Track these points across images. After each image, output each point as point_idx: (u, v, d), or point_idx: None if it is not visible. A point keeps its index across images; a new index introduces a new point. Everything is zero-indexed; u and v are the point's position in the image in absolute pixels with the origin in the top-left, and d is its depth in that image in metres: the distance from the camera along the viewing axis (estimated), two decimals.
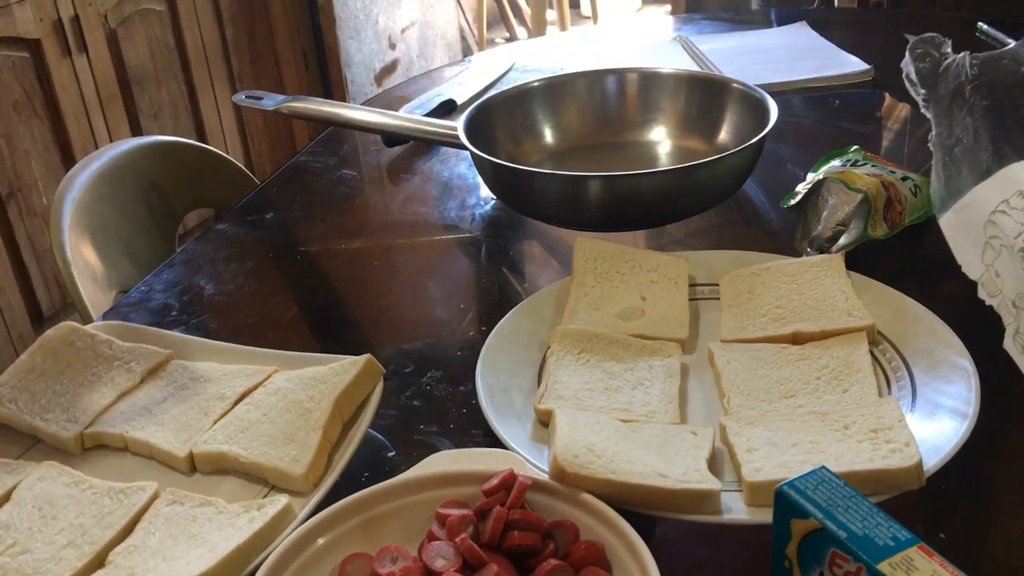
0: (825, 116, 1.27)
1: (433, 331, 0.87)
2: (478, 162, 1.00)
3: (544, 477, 0.61)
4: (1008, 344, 0.67)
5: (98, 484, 0.66)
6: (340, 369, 0.72)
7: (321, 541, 0.59)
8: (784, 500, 0.53)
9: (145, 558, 0.60)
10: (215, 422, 0.71)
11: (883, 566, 0.48)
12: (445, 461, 0.64)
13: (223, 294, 0.95)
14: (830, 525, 0.50)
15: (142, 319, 0.90)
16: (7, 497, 0.66)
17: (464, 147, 1.01)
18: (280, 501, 0.62)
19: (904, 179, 0.90)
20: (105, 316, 0.93)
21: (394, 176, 1.20)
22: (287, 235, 1.07)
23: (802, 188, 0.93)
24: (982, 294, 0.69)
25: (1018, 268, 0.64)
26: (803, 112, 1.28)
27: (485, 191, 1.09)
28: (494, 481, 0.60)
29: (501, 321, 0.79)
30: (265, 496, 0.65)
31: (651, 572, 0.53)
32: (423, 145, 1.23)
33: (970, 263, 0.71)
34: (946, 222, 0.75)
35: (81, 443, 0.72)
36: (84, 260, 1.09)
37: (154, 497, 0.65)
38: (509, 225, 1.04)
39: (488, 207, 1.08)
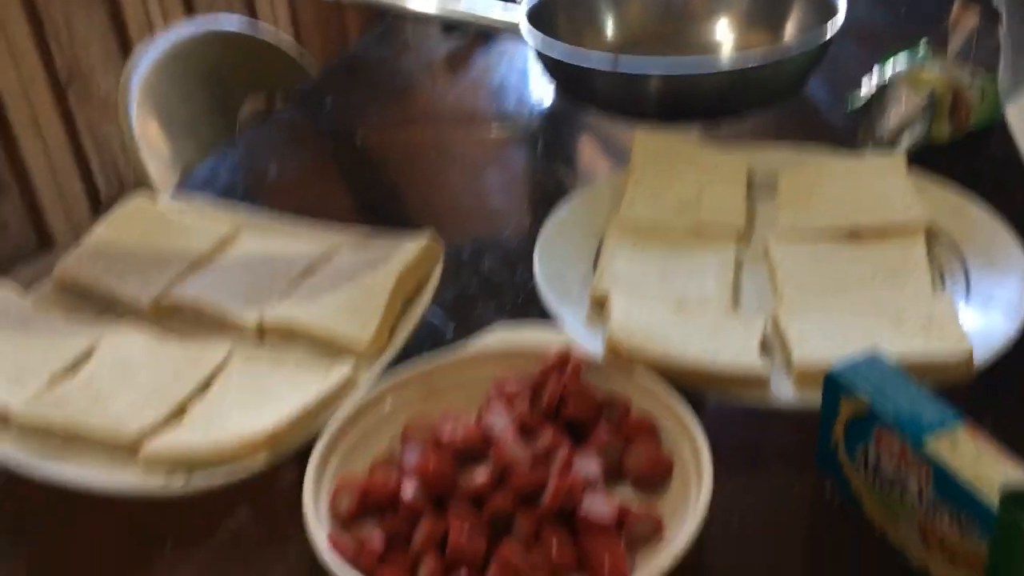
0: (893, 16, 1.24)
1: (490, 219, 0.89)
2: (539, 53, 1.00)
3: (599, 356, 0.63)
4: None
5: (174, 345, 0.70)
6: (402, 247, 0.74)
7: (385, 407, 0.62)
8: (834, 380, 0.55)
9: (220, 412, 0.63)
10: (282, 293, 0.74)
11: (928, 442, 0.49)
12: (503, 337, 0.67)
13: (285, 177, 0.97)
14: (878, 404, 0.52)
15: (208, 197, 0.93)
16: (89, 354, 0.70)
17: (525, 38, 1.00)
18: (346, 367, 0.65)
19: (972, 81, 0.89)
20: (173, 193, 0.95)
21: (454, 67, 1.20)
22: (345, 123, 1.08)
23: (867, 87, 0.92)
24: None
25: None
26: (871, 11, 1.25)
27: (544, 84, 1.09)
28: (552, 357, 0.62)
29: (558, 210, 0.80)
30: (331, 364, 0.68)
31: (701, 445, 0.56)
32: (482, 36, 1.22)
33: None
34: (1013, 112, 0.75)
35: (156, 309, 0.75)
36: (150, 140, 1.11)
37: (227, 359, 0.68)
38: (567, 119, 1.05)
39: (547, 101, 1.08)
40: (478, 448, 0.56)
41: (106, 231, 0.81)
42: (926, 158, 0.83)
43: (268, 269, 0.77)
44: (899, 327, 0.64)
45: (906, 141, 0.85)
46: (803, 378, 0.61)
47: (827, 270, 0.73)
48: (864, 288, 0.70)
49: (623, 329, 0.63)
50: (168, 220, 0.82)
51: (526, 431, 0.58)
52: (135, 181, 1.18)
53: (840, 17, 0.95)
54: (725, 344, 0.64)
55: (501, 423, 0.58)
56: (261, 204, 0.92)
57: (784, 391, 0.62)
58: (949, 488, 0.48)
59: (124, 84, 1.14)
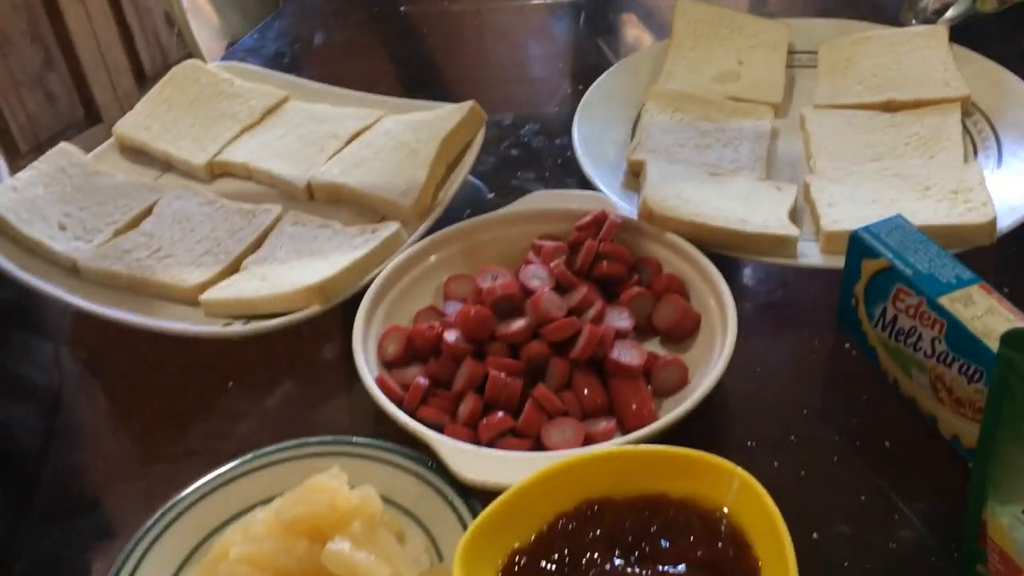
0: None
1: (531, 88, 0.90)
2: None
3: (633, 218, 0.66)
4: None
5: (229, 204, 0.74)
6: (445, 114, 0.76)
7: (430, 260, 0.65)
8: (858, 241, 0.57)
9: (274, 267, 0.67)
10: (330, 157, 0.77)
11: (943, 299, 0.52)
12: (542, 200, 0.69)
13: (330, 47, 0.99)
14: (898, 263, 0.55)
15: (256, 65, 0.95)
16: (148, 211, 0.74)
17: None
18: (392, 226, 0.68)
19: None
20: (221, 60, 0.98)
21: None
22: None
23: None
24: None
25: None
26: None
27: None
28: (587, 218, 0.65)
29: (599, 79, 0.81)
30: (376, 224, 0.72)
31: (727, 301, 0.59)
32: None
33: None
34: None
35: (210, 170, 0.79)
36: (198, 9, 1.13)
37: (279, 218, 0.72)
38: None
39: None
40: (516, 300, 0.60)
41: (161, 93, 0.84)
42: (970, 31, 0.83)
43: (315, 135, 0.79)
44: (926, 194, 0.66)
45: (951, 14, 0.84)
46: (829, 242, 0.64)
47: (860, 139, 0.74)
48: (896, 157, 0.72)
49: (657, 193, 0.65)
50: (220, 84, 0.84)
51: (562, 287, 0.61)
52: (182, 53, 1.20)
53: None
54: (756, 209, 0.66)
55: (538, 278, 0.61)
56: (308, 72, 0.94)
57: (811, 255, 0.64)
58: (960, 340, 0.51)
59: None
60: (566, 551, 0.46)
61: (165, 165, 0.80)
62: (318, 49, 0.98)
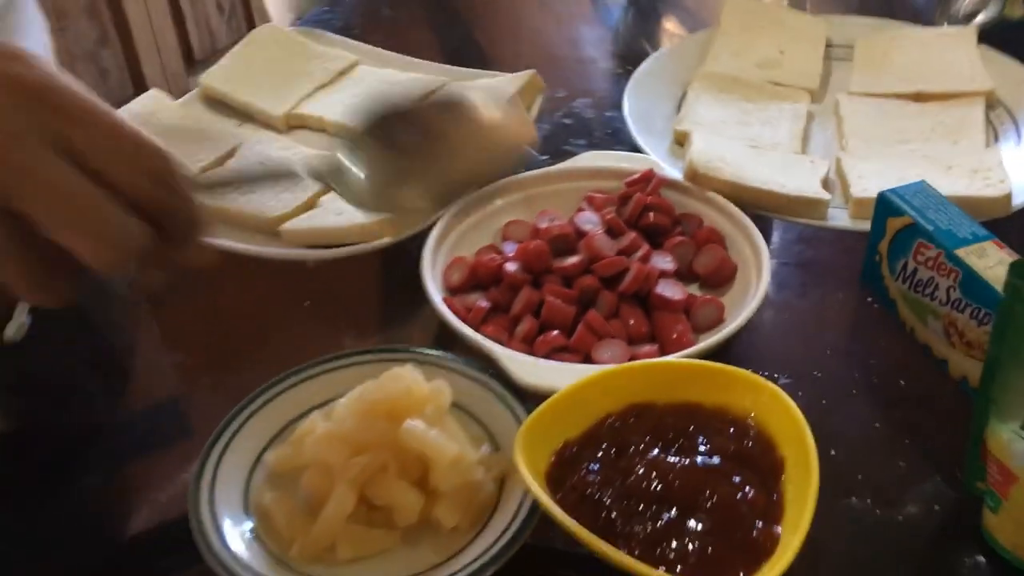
0: None
1: (585, 68, 0.97)
2: None
3: (678, 178, 0.72)
4: None
5: (305, 150, 0.80)
6: (507, 82, 0.83)
7: (493, 204, 0.72)
8: (885, 201, 0.63)
9: (346, 204, 0.74)
10: None
11: (959, 251, 0.58)
12: (595, 159, 0.76)
13: (397, 20, 1.05)
14: (920, 220, 0.61)
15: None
16: (231, 154, 0.80)
17: None
18: None
19: None
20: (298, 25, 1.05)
21: None
22: None
23: None
24: None
25: None
26: None
27: None
28: (636, 175, 0.71)
29: (649, 58, 0.88)
30: None
31: (762, 253, 0.65)
32: None
33: None
34: None
35: (286, 121, 0.85)
36: None
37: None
38: None
39: None
40: (571, 240, 0.66)
41: (243, 51, 0.91)
42: (998, 35, 0.89)
43: (385, 94, 0.86)
44: (949, 172, 0.72)
45: (980, 18, 0.91)
46: (858, 208, 0.70)
47: (890, 124, 0.80)
48: (923, 141, 0.78)
49: (702, 155, 0.72)
50: (296, 47, 0.91)
51: (612, 232, 0.67)
52: (231, 39, 1.26)
53: None
54: (792, 176, 0.72)
55: (591, 223, 0.67)
56: (375, 42, 1.01)
57: (839, 219, 0.70)
58: (973, 287, 0.57)
59: None
60: (613, 443, 0.52)
61: (245, 116, 0.87)
62: (384, 23, 1.05)
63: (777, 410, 0.52)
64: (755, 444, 0.51)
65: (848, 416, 0.59)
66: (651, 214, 0.69)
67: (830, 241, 0.72)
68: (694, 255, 0.67)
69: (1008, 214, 0.68)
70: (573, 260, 0.64)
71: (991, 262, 0.57)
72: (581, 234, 0.66)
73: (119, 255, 0.41)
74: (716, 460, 0.50)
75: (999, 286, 0.55)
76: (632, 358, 0.60)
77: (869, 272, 0.66)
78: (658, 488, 0.49)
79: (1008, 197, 0.68)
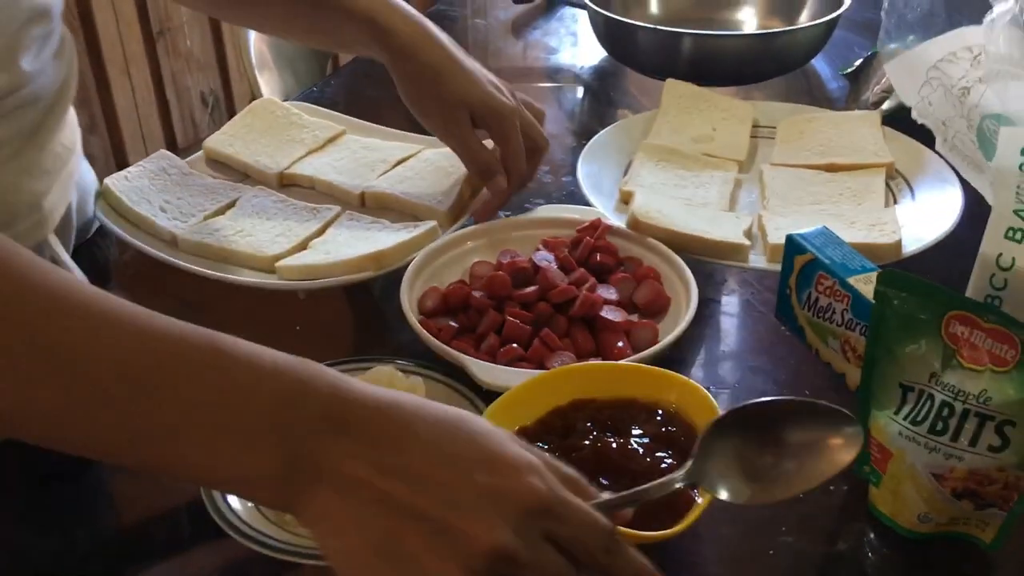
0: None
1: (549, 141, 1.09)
2: (593, 17, 1.21)
3: (622, 226, 0.84)
4: (939, 147, 0.90)
5: (297, 203, 0.91)
6: None
7: (463, 246, 0.83)
8: (792, 242, 0.75)
9: (336, 245, 0.84)
10: (380, 175, 0.95)
11: (851, 279, 0.70)
12: (551, 211, 0.88)
13: (379, 99, 1.18)
14: (820, 256, 0.73)
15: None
16: (232, 204, 0.91)
17: (583, 6, 1.21)
18: (431, 223, 0.86)
19: None
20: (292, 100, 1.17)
21: (518, 29, 1.41)
22: None
23: (859, 61, 1.12)
24: (915, 115, 0.92)
25: (950, 100, 0.86)
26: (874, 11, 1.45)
27: (596, 46, 1.29)
28: (586, 223, 0.83)
29: (600, 132, 1.01)
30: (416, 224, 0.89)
31: (691, 286, 0.76)
32: (547, 3, 1.44)
33: (908, 95, 0.93)
34: (891, 65, 0.97)
35: (280, 180, 0.97)
36: (261, 61, 1.33)
37: (338, 214, 0.90)
38: (613, 74, 1.26)
39: (598, 60, 1.29)
40: (528, 274, 0.77)
41: (241, 120, 1.03)
42: (900, 119, 1.03)
43: (367, 159, 0.98)
44: (852, 226, 0.84)
45: (885, 105, 1.05)
46: (773, 252, 0.82)
47: (805, 189, 0.93)
48: (831, 203, 0.91)
49: (643, 207, 0.84)
50: (291, 117, 1.03)
51: (564, 268, 0.78)
52: (212, 130, 1.37)
53: (845, 6, 1.15)
54: (719, 227, 0.84)
55: (546, 260, 0.79)
56: (359, 117, 1.13)
57: (758, 263, 0.82)
58: (862, 308, 0.68)
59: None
60: (561, 429, 0.62)
61: (243, 175, 0.98)
62: (366, 101, 1.18)
63: (695, 400, 0.62)
64: (677, 427, 0.61)
65: None
66: (598, 255, 0.80)
67: (750, 281, 0.84)
68: (634, 289, 0.79)
69: (899, 259, 0.80)
70: (530, 289, 0.75)
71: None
72: (537, 268, 0.77)
73: None
74: (645, 440, 0.61)
75: None
76: None
77: (782, 304, 0.77)
78: (597, 461, 0.59)
79: (899, 244, 0.80)
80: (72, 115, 0.83)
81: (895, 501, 0.60)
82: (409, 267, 0.79)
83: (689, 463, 0.54)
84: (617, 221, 0.86)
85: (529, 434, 0.62)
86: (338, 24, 0.85)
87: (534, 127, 0.89)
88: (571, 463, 0.57)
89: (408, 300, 0.75)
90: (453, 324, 0.74)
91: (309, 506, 0.46)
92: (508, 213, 0.94)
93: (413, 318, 0.73)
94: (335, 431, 0.46)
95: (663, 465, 0.58)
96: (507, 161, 0.86)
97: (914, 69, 0.91)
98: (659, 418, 0.62)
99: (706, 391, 0.62)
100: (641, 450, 0.59)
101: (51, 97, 0.76)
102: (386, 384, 0.63)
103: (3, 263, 0.45)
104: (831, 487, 0.64)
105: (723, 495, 0.53)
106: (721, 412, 0.60)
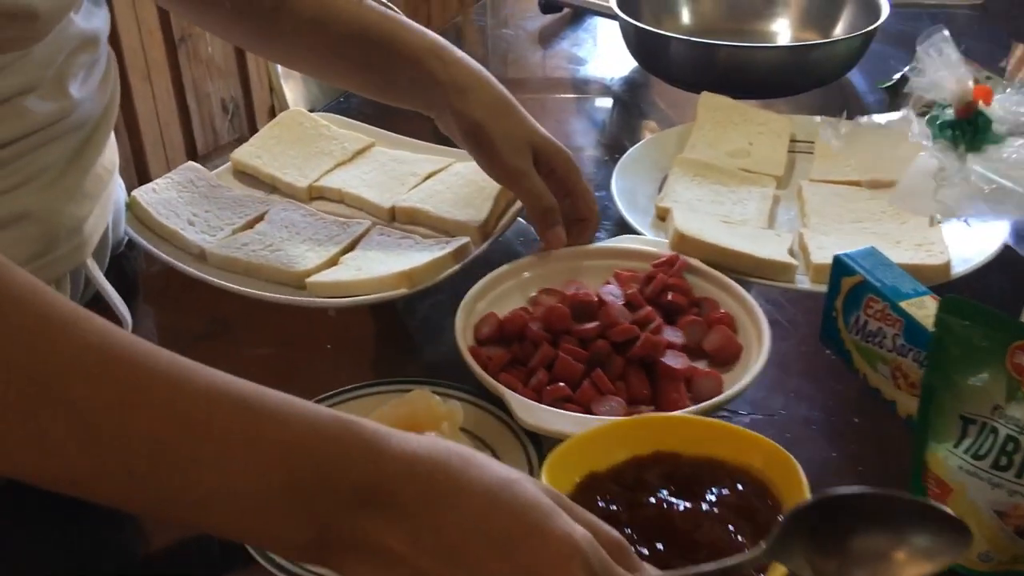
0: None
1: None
2: (625, 28, 1.19)
3: (700, 263, 0.78)
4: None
5: (327, 216, 0.90)
6: None
7: (524, 275, 0.80)
8: (840, 263, 0.73)
9: (366, 261, 0.83)
10: (410, 189, 0.93)
11: (903, 304, 0.67)
12: (626, 241, 0.84)
13: (409, 111, 1.16)
14: (869, 278, 0.70)
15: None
16: (260, 218, 0.90)
17: (613, 16, 1.19)
18: (464, 239, 0.84)
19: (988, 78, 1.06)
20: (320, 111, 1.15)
21: (546, 39, 1.39)
22: None
23: (897, 75, 1.09)
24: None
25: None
26: (912, 23, 1.42)
27: (627, 57, 1.27)
28: (663, 258, 0.79)
29: (635, 146, 0.99)
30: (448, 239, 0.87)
31: (764, 335, 0.71)
32: (575, 13, 1.42)
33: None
34: None
35: (309, 193, 0.95)
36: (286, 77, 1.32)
37: (368, 229, 0.88)
38: (642, 85, 1.23)
39: (626, 71, 1.27)
40: (592, 308, 0.72)
41: (271, 131, 1.01)
42: None
43: (397, 172, 0.96)
44: (897, 246, 0.82)
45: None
46: (817, 273, 0.79)
47: (846, 206, 0.90)
48: (874, 222, 0.88)
49: (684, 224, 0.81)
50: (319, 128, 1.02)
51: (631, 305, 0.74)
52: (232, 137, 1.35)
53: (883, 17, 1.12)
54: (763, 245, 0.82)
55: (613, 295, 0.75)
56: (387, 127, 1.11)
57: (803, 283, 0.80)
58: (915, 334, 0.66)
59: None
60: (630, 481, 0.58)
61: (271, 188, 0.96)
62: (393, 113, 1.15)
63: (782, 471, 0.58)
64: (756, 498, 0.57)
65: (811, 448, 0.67)
66: (670, 293, 0.75)
67: (794, 302, 0.81)
68: (704, 334, 0.74)
69: (948, 280, 0.77)
70: (591, 325, 0.71)
71: (929, 312, 0.66)
72: (602, 303, 0.73)
73: None
74: (718, 508, 0.56)
75: None
76: (628, 416, 0.66)
77: (827, 327, 0.75)
78: (660, 524, 0.55)
79: (948, 265, 0.78)
80: (113, 137, 0.82)
81: None
82: (470, 292, 0.76)
83: (758, 548, 0.50)
84: (654, 237, 0.84)
85: (597, 480, 0.59)
86: (393, 63, 0.83)
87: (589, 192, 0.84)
88: (633, 521, 0.55)
89: (462, 325, 0.72)
90: (505, 352, 0.71)
91: (343, 569, 0.46)
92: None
93: (463, 344, 0.71)
94: (371, 505, 0.45)
95: (729, 539, 0.54)
96: (578, 203, 0.82)
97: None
98: (740, 486, 0.58)
99: (795, 461, 0.58)
100: (710, 518, 0.56)
101: (95, 121, 0.75)
102: (423, 409, 0.61)
103: (22, 303, 0.43)
104: None
105: None
106: (808, 495, 0.56)
